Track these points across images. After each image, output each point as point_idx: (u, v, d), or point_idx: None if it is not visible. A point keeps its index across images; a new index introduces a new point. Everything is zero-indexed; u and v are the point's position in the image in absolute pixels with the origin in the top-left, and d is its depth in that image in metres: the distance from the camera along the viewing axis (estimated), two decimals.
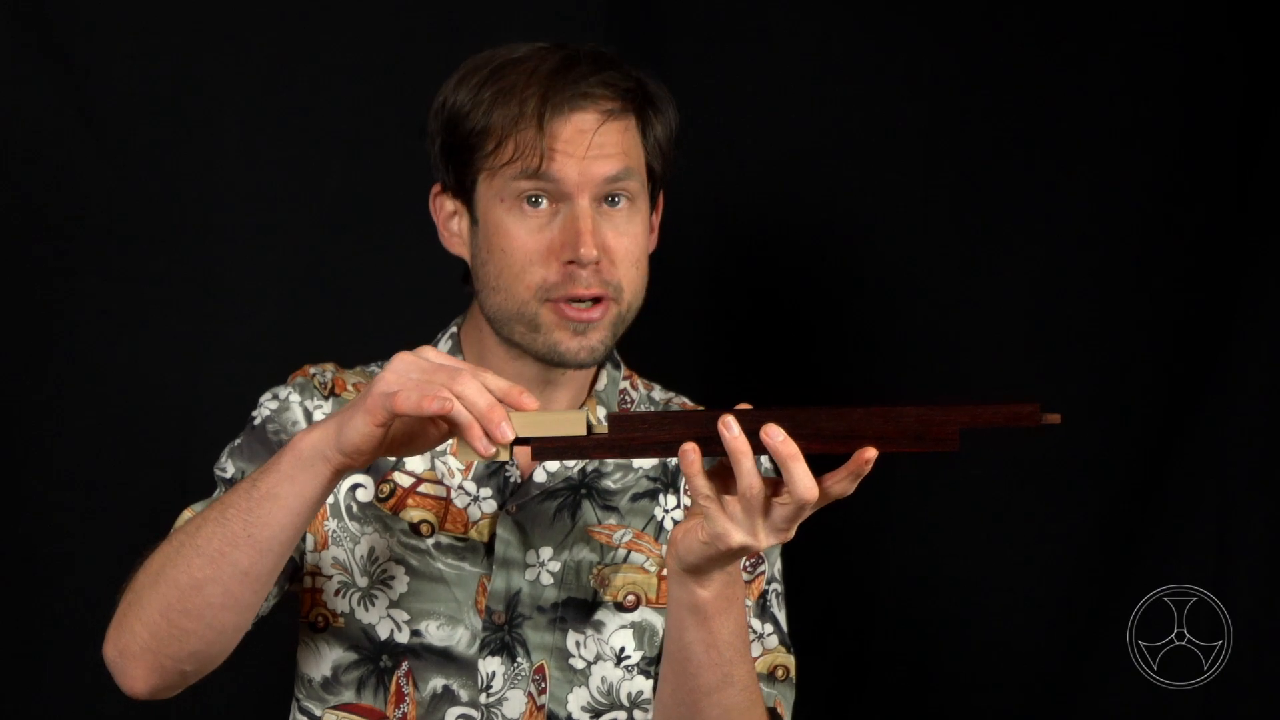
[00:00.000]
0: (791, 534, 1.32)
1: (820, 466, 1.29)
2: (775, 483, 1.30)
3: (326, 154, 2.09)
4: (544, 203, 1.52)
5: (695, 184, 2.13)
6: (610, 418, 1.32)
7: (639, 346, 1.72)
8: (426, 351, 1.33)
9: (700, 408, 1.65)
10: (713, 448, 1.29)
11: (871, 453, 1.28)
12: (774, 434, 1.28)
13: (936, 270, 2.15)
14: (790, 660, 1.61)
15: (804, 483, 1.28)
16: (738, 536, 1.31)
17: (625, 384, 1.67)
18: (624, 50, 1.67)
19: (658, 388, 1.70)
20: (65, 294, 2.07)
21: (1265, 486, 2.13)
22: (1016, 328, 2.16)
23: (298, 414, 1.59)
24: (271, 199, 2.09)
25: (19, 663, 2.07)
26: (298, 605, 1.60)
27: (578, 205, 1.52)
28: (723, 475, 1.31)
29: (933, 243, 2.15)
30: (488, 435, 1.29)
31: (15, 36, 2.02)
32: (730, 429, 1.28)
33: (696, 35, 2.12)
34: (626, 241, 1.54)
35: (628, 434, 1.31)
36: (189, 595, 1.38)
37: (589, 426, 1.31)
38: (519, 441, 1.30)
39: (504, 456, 1.30)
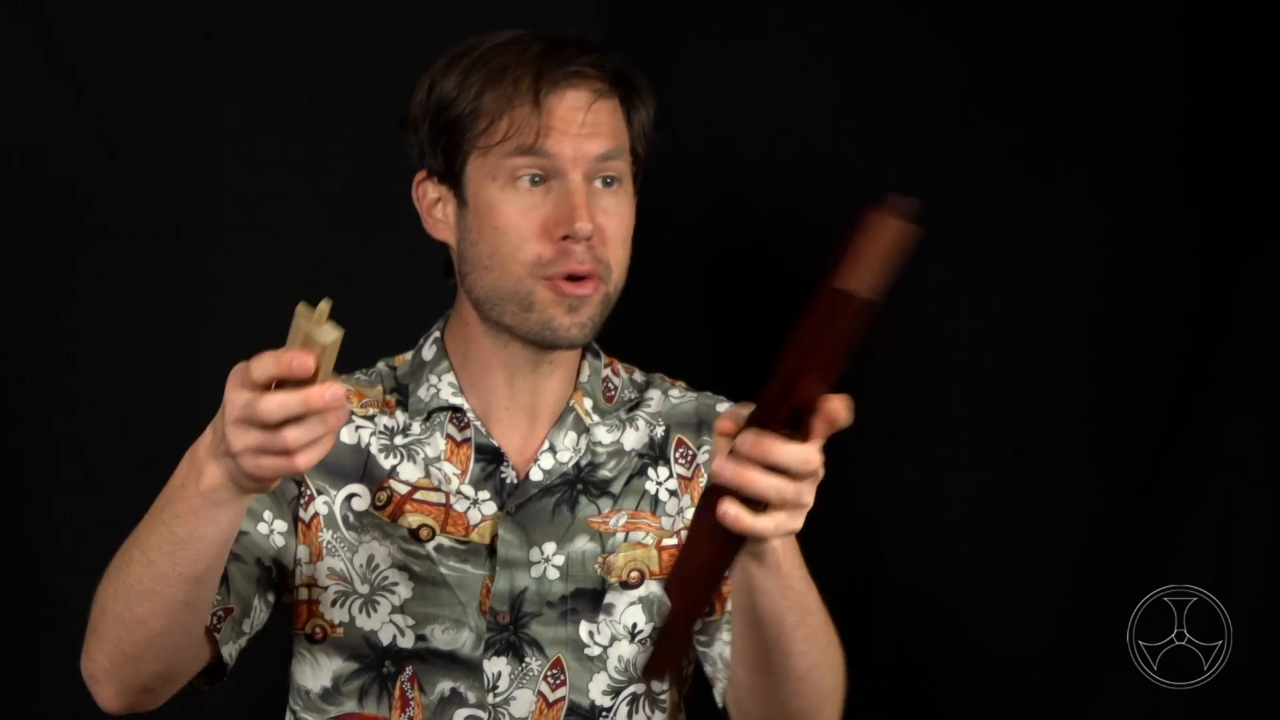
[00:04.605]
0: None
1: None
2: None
3: (326, 154, 2.09)
4: (537, 180, 1.54)
5: (695, 183, 2.13)
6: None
7: (640, 343, 1.72)
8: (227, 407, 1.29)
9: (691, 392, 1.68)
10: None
11: (843, 415, 1.25)
12: (724, 470, 1.21)
13: (937, 269, 2.14)
14: None
15: (791, 474, 1.23)
16: (788, 524, 1.25)
17: (607, 371, 1.68)
18: (624, 50, 1.66)
19: (637, 371, 1.71)
20: (65, 294, 2.06)
21: (1265, 486, 2.12)
22: (1016, 327, 2.15)
23: None
24: (271, 199, 2.09)
25: (19, 663, 2.07)
26: (291, 618, 1.60)
27: (571, 180, 1.53)
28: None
29: (933, 242, 2.14)
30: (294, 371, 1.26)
31: (15, 37, 2.02)
32: (727, 514, 1.22)
33: (696, 35, 2.12)
34: (615, 221, 1.56)
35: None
36: (134, 630, 1.39)
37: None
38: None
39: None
